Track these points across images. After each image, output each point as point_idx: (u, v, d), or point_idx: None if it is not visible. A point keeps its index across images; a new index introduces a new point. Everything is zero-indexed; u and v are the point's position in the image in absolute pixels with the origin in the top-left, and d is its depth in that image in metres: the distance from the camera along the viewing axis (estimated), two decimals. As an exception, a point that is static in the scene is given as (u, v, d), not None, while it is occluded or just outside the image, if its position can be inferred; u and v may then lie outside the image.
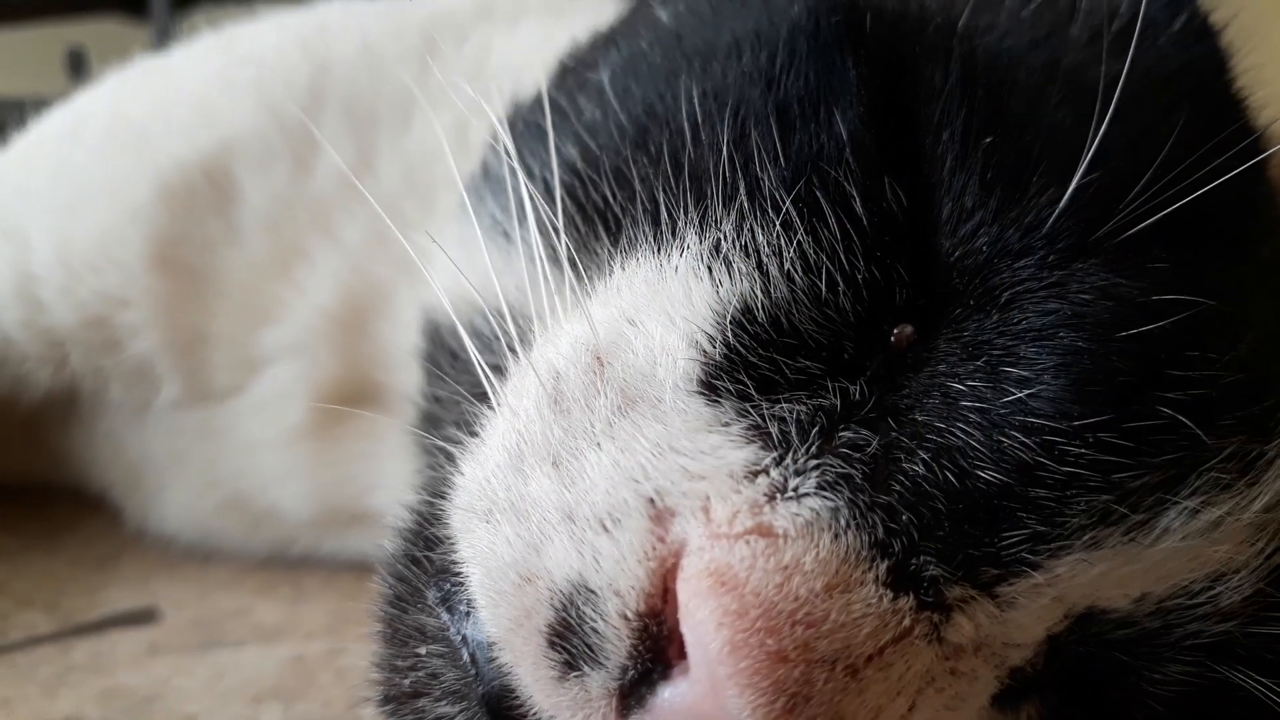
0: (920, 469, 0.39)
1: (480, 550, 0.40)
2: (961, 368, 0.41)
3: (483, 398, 0.47)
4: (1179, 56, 0.53)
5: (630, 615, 0.36)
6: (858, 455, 0.39)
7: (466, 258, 0.57)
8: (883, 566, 0.37)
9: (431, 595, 0.43)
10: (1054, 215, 0.43)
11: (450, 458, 0.45)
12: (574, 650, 0.37)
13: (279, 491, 0.78)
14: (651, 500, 0.38)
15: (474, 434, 0.45)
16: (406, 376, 0.69)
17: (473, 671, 0.41)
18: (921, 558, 0.37)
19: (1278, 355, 0.46)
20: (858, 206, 0.43)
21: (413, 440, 0.64)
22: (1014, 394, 0.40)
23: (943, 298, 0.43)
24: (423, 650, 0.43)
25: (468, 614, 0.41)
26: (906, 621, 0.36)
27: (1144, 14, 0.52)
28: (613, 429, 0.40)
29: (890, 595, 0.36)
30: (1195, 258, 0.44)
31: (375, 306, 0.75)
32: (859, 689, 0.35)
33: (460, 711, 0.42)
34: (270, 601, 0.77)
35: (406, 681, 0.43)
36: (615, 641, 0.36)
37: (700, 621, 0.35)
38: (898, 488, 0.38)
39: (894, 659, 0.36)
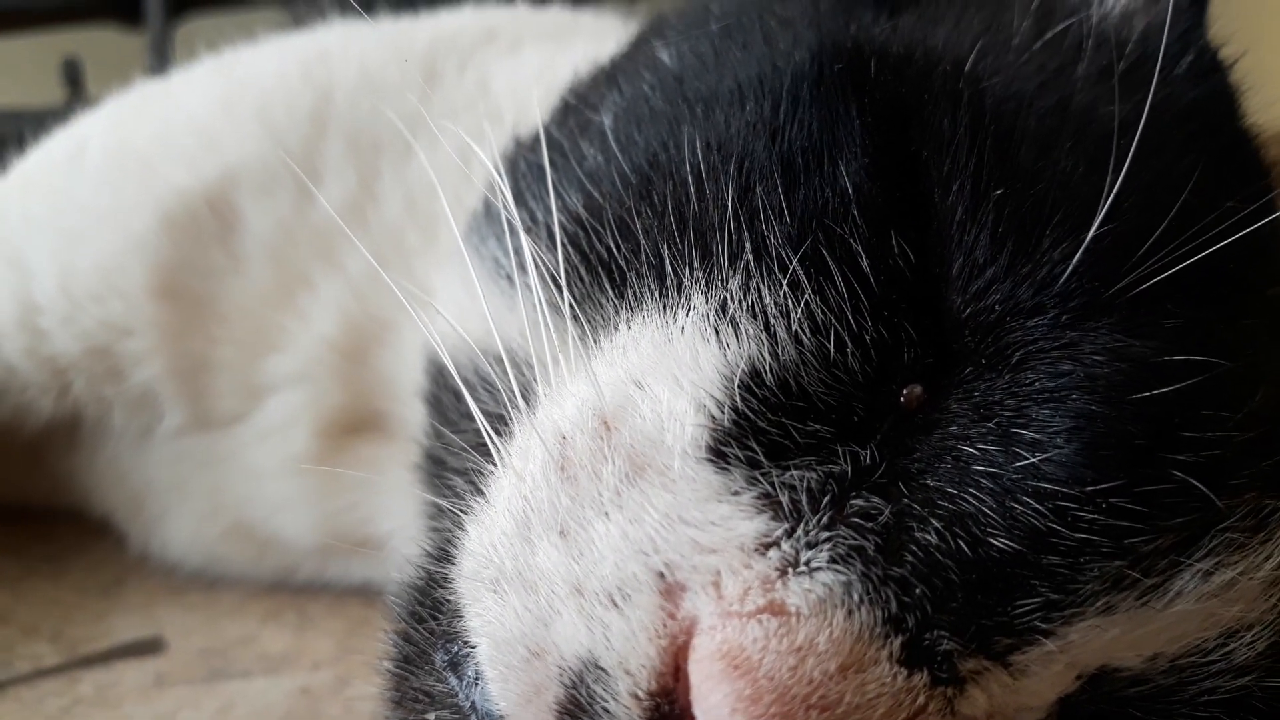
0: (933, 538, 0.38)
1: (489, 621, 0.39)
2: (973, 430, 0.41)
3: (486, 449, 0.46)
4: (1189, 94, 0.52)
5: (641, 694, 0.36)
6: (870, 525, 0.38)
7: (469, 299, 0.57)
8: (896, 643, 0.36)
9: (439, 659, 0.43)
10: (1067, 272, 0.42)
11: (455, 519, 0.44)
12: (583, 727, 0.37)
13: (283, 519, 0.78)
14: (661, 574, 0.37)
15: (478, 490, 0.44)
16: (410, 407, 0.69)
17: (485, 742, 0.40)
18: (935, 632, 0.37)
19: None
20: (865, 264, 0.43)
21: (416, 477, 0.64)
22: (1026, 458, 0.40)
23: (953, 356, 0.43)
24: (431, 716, 0.43)
25: (476, 681, 0.41)
26: (921, 699, 0.36)
27: (1153, 51, 0.51)
28: (621, 498, 0.40)
29: (904, 673, 0.36)
30: (1208, 311, 0.44)
31: (379, 336, 0.74)
32: (873, 767, 0.35)
33: (469, 776, 0.42)
34: (276, 629, 0.77)
35: (417, 746, 0.43)
36: None
37: (714, 706, 0.34)
38: (910, 558, 0.38)
39: (907, 735, 0.36)
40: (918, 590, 0.37)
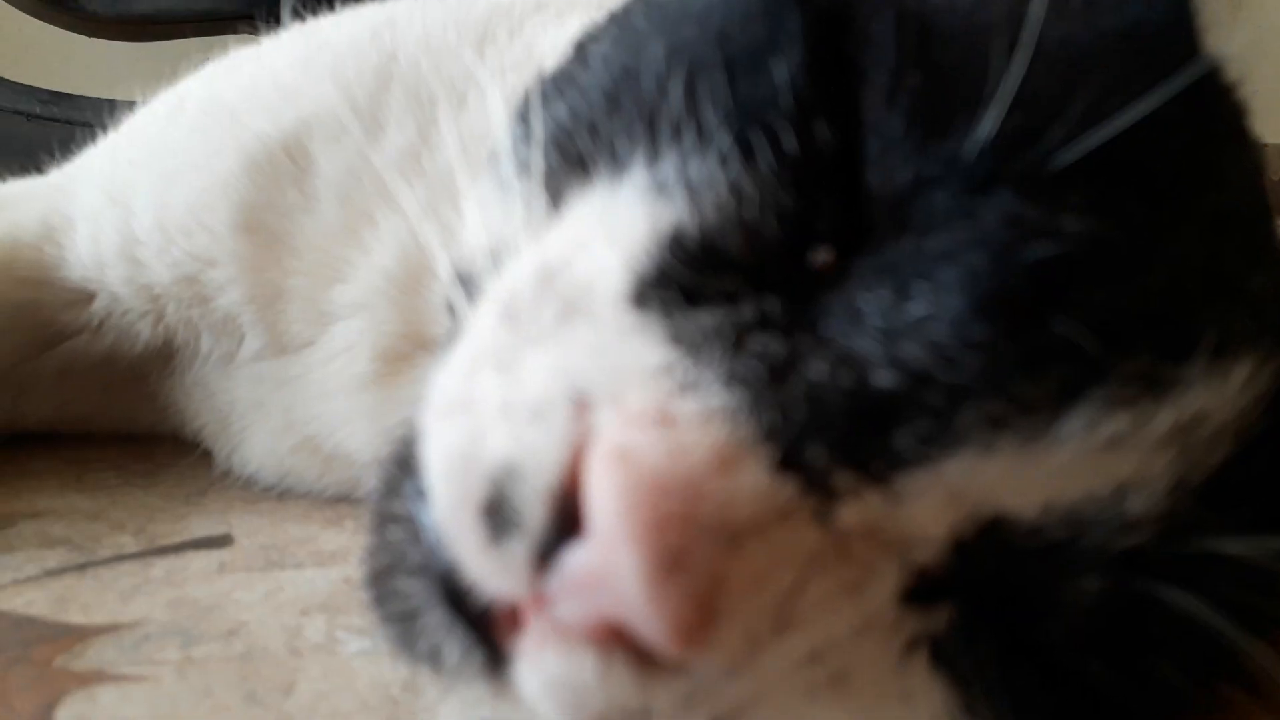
0: (818, 374, 0.43)
1: (434, 441, 0.46)
2: (872, 287, 0.45)
3: None
4: (1140, 12, 0.55)
5: (547, 491, 0.41)
6: (762, 360, 0.43)
7: (481, 214, 0.64)
8: (769, 451, 0.41)
9: (409, 487, 0.49)
10: (974, 148, 0.46)
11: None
12: (499, 524, 0.42)
13: (345, 433, 0.85)
14: (575, 395, 0.43)
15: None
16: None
17: (430, 549, 0.46)
18: (810, 449, 0.41)
19: (1209, 287, 0.49)
20: (789, 145, 0.48)
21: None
22: (915, 310, 0.44)
23: (865, 226, 0.47)
24: (394, 534, 0.49)
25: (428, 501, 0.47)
26: (788, 502, 0.41)
27: None
28: (552, 335, 0.45)
29: (774, 478, 0.41)
30: (1118, 195, 0.47)
31: (429, 268, 0.81)
32: (738, 557, 0.40)
33: (421, 585, 0.47)
34: (335, 532, 0.85)
35: (382, 562, 0.50)
36: (533, 514, 0.42)
37: (598, 492, 0.40)
38: (795, 389, 0.42)
39: (775, 533, 0.40)
40: (797, 414, 0.42)
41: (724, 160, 0.48)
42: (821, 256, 0.47)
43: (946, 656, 0.47)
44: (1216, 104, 0.55)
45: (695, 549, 0.39)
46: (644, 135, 0.51)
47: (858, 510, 0.42)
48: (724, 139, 0.48)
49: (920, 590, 0.45)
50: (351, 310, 0.84)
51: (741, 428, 0.41)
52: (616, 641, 0.41)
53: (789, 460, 0.41)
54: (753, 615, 0.41)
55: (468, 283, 0.57)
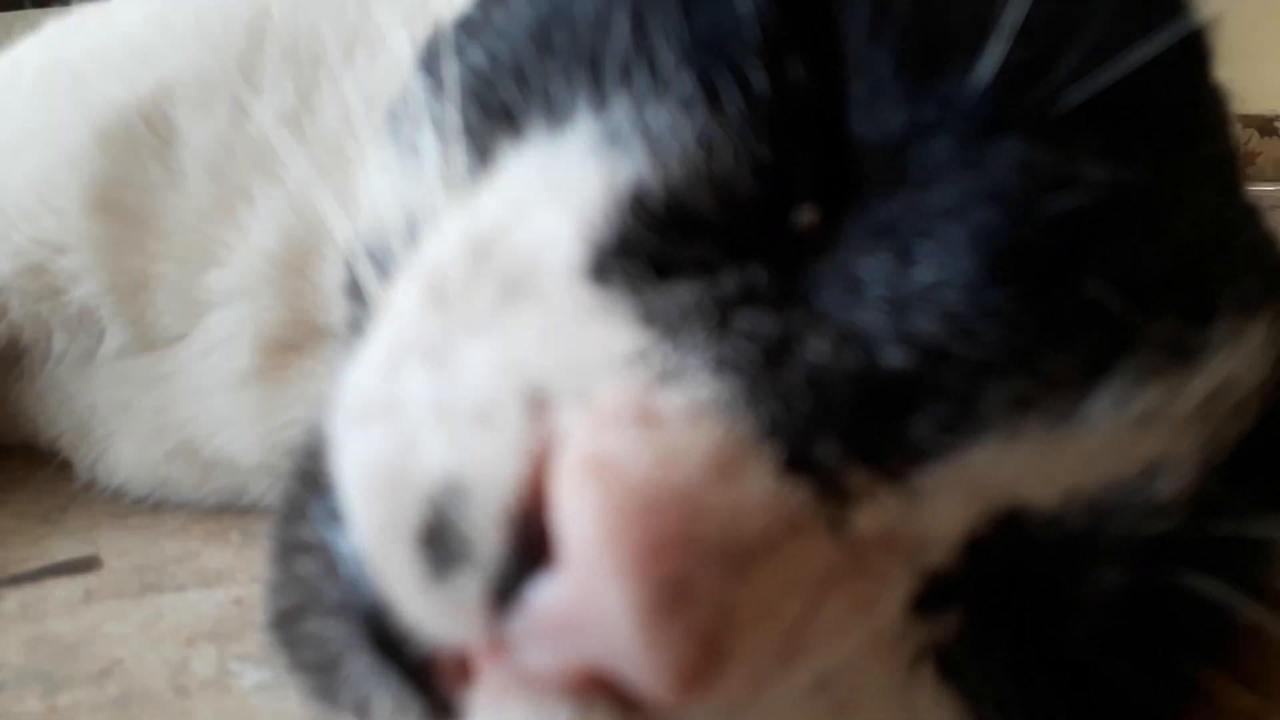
0: (820, 355, 0.36)
1: (350, 454, 0.37)
2: (869, 250, 0.38)
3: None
4: None
5: (503, 513, 0.34)
6: (753, 341, 0.36)
7: (385, 181, 0.55)
8: (775, 454, 0.34)
9: (317, 509, 0.41)
10: (974, 88, 0.40)
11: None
12: (442, 555, 0.34)
13: (226, 436, 0.76)
14: (530, 391, 0.35)
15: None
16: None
17: (352, 585, 0.38)
18: (819, 445, 0.35)
19: (1217, 242, 0.44)
20: (760, 87, 0.41)
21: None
22: (923, 275, 0.37)
23: (853, 179, 0.40)
24: (304, 566, 0.41)
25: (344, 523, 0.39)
26: (800, 511, 0.34)
27: None
28: (494, 320, 0.37)
29: (783, 483, 0.34)
30: (1127, 141, 0.42)
31: (317, 249, 0.73)
32: (748, 583, 0.32)
33: (340, 627, 0.39)
34: (218, 547, 0.75)
35: (288, 600, 0.41)
36: (486, 542, 0.34)
37: (573, 513, 0.32)
38: (795, 374, 0.36)
39: (787, 551, 0.33)
40: (801, 404, 0.35)
41: (686, 105, 0.40)
42: (806, 216, 0.40)
43: (954, 665, 0.41)
44: (1198, 44, 0.51)
45: (698, 578, 0.32)
46: (586, 79, 0.43)
47: (874, 515, 0.35)
48: (684, 81, 0.41)
49: (928, 596, 0.39)
50: (229, 297, 0.75)
51: (740, 423, 0.34)
52: (596, 689, 0.34)
53: (796, 460, 0.34)
54: (761, 650, 0.34)
55: (375, 259, 0.49)
